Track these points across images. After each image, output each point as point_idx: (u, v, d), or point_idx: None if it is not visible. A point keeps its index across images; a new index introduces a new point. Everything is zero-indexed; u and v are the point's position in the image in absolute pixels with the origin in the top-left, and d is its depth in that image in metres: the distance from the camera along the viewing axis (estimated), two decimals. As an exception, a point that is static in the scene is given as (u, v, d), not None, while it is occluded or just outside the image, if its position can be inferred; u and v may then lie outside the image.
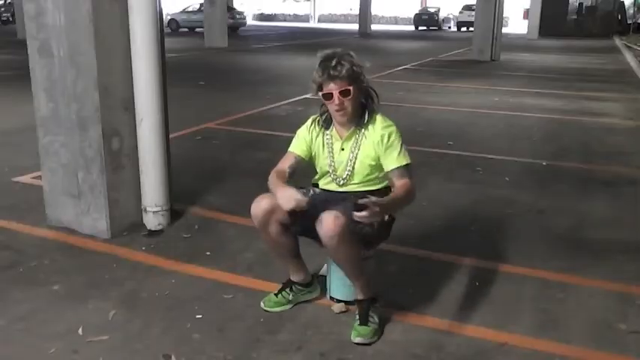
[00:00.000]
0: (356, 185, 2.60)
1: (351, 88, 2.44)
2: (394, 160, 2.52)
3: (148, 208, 3.65)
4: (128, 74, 3.46)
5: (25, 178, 4.63)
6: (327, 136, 2.63)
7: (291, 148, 2.67)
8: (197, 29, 28.19)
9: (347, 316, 2.64)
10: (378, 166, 2.58)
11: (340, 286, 2.72)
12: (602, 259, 3.42)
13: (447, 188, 4.64)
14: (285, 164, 2.63)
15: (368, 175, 2.59)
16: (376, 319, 2.57)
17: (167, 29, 26.99)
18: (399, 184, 2.50)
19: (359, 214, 2.16)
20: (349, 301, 2.70)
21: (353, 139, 2.57)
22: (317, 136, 2.64)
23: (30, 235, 3.59)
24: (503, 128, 7.21)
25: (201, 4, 24.24)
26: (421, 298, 2.90)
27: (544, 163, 5.53)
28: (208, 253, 3.39)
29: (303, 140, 2.65)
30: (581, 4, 33.01)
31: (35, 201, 3.95)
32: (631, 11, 33.71)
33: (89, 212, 3.54)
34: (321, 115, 2.64)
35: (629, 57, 18.37)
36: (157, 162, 3.60)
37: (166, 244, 3.50)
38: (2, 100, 8.60)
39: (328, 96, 2.47)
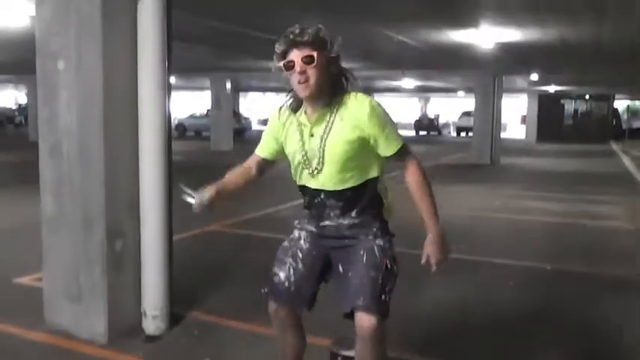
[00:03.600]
0: (334, 182, 2.29)
1: (314, 54, 2.16)
2: (388, 146, 2.27)
3: (147, 311, 3.58)
4: (135, 175, 3.52)
5: (26, 279, 4.59)
6: (297, 123, 2.33)
7: (256, 150, 2.53)
8: (203, 133, 28.96)
9: None
10: (357, 155, 2.26)
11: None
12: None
13: (449, 293, 4.56)
14: (250, 162, 2.54)
15: (344, 165, 2.26)
16: None
17: (174, 133, 27.73)
18: (408, 176, 2.34)
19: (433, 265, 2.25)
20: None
21: (324, 121, 2.26)
22: (286, 122, 2.37)
23: (27, 338, 3.50)
24: (505, 231, 7.20)
25: (208, 110, 25.05)
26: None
27: (548, 267, 5.47)
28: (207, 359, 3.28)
29: (271, 137, 2.46)
30: (576, 110, 34.04)
31: (34, 303, 3.89)
32: (625, 117, 34.69)
33: (88, 315, 3.47)
34: (287, 100, 2.36)
35: (626, 161, 18.68)
36: (159, 264, 3.58)
37: (165, 350, 3.40)
38: (9, 199, 8.68)
39: (290, 65, 2.19)
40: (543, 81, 21.99)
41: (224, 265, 5.29)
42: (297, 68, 2.16)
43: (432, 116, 42.05)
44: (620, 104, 36.48)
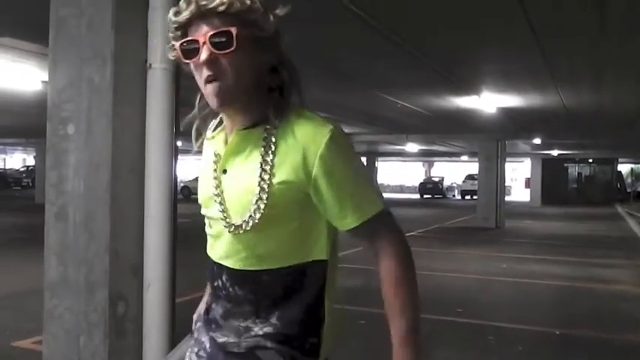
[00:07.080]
0: (244, 256, 1.31)
1: (233, 30, 1.21)
2: (346, 212, 1.26)
3: (148, 377, 3.52)
4: (139, 239, 3.53)
5: (25, 343, 4.53)
6: (210, 147, 1.40)
7: None
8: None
9: None
10: (295, 221, 1.29)
11: None
12: None
13: (457, 359, 4.47)
14: None
15: (269, 229, 1.28)
16: None
17: (179, 196, 27.85)
18: (380, 265, 1.26)
19: None
20: None
21: (246, 151, 1.30)
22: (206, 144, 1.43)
23: (23, 405, 3.44)
24: (513, 295, 7.12)
25: (214, 172, 25.22)
26: None
27: (557, 332, 5.38)
28: None
29: None
30: (580, 173, 34.23)
31: (33, 368, 3.84)
32: (629, 180, 34.82)
33: (87, 381, 3.41)
34: (199, 110, 1.40)
35: (632, 224, 18.60)
36: (161, 328, 3.54)
37: (164, 416, 3.32)
38: (11, 262, 8.67)
39: (192, 49, 1.24)
40: (546, 145, 22.23)
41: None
42: (204, 55, 1.22)
43: (436, 179, 42.29)
44: (624, 167, 36.70)
